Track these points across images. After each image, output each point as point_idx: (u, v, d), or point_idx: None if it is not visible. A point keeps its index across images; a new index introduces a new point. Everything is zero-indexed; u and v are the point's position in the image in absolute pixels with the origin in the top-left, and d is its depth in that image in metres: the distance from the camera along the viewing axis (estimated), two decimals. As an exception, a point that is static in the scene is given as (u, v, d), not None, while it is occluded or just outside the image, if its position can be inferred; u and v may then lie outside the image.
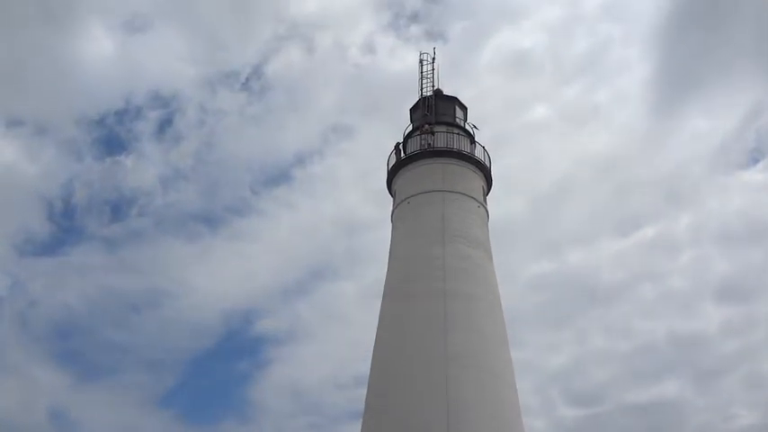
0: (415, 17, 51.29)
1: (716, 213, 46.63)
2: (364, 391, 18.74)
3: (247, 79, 51.79)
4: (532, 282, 43.38)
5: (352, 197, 46.41)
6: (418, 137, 21.62)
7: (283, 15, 51.17)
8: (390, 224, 21.45)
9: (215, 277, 46.71)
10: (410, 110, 23.23)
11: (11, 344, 42.88)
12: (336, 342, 43.94)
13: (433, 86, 22.91)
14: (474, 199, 20.67)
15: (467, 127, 22.48)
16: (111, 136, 50.69)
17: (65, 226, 49.21)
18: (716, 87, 47.75)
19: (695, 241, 46.46)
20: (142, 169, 48.90)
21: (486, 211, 21.11)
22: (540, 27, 50.31)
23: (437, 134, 21.35)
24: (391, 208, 21.61)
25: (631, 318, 43.58)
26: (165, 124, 51.21)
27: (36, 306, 45.27)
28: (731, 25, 43.79)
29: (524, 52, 49.30)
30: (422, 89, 22.97)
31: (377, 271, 20.76)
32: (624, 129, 48.55)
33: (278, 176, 52.41)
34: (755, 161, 51.05)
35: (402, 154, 21.79)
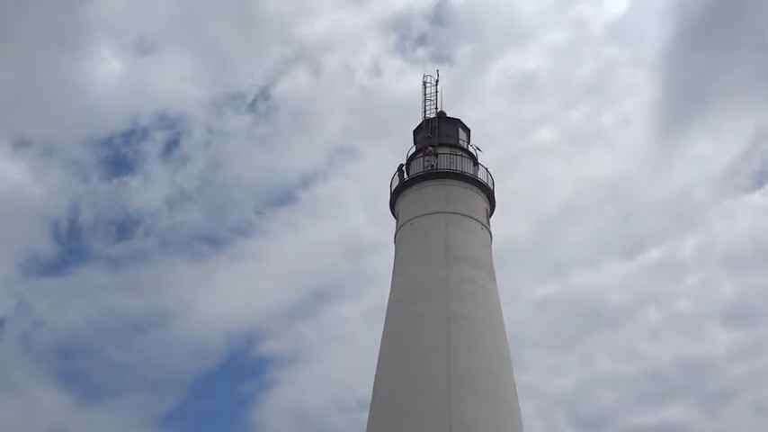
0: (421, 40, 51.75)
1: (722, 236, 46.45)
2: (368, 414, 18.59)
3: (254, 101, 52.24)
4: (537, 304, 43.17)
5: (357, 218, 46.46)
6: (421, 158, 21.67)
7: (291, 37, 51.75)
8: (393, 246, 21.42)
9: (219, 298, 46.66)
10: (413, 132, 23.31)
11: (14, 364, 42.81)
12: (340, 364, 43.67)
13: (437, 108, 23.01)
14: (477, 221, 20.63)
15: (470, 149, 22.53)
16: (117, 156, 51.02)
17: (70, 246, 49.38)
18: (722, 110, 47.85)
19: (701, 264, 46.23)
20: (148, 190, 49.16)
21: (490, 233, 21.06)
22: (546, 50, 50.66)
23: (440, 156, 21.40)
24: (394, 230, 21.60)
25: (637, 341, 43.25)
26: (171, 145, 51.45)
27: (39, 326, 45.25)
28: (736, 48, 43.99)
29: (530, 74, 49.62)
30: (425, 111, 23.07)
31: (382, 293, 20.73)
32: (630, 151, 48.63)
33: (283, 197, 52.64)
34: (761, 184, 50.95)
35: (405, 176, 21.84)
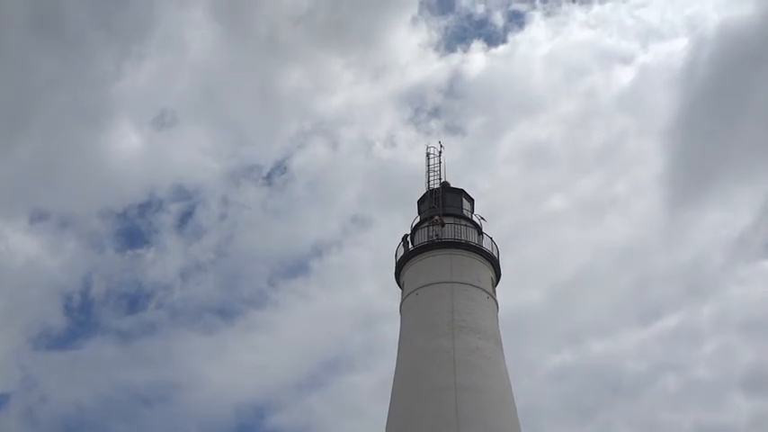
0: (435, 112, 52.79)
1: (738, 302, 45.70)
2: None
3: (270, 173, 53.01)
4: (553, 374, 42.39)
5: (368, 288, 46.29)
6: (426, 228, 21.82)
7: (309, 112, 52.91)
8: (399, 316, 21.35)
9: (229, 370, 46.17)
10: (417, 202, 23.55)
11: (17, 439, 42.21)
12: (351, 437, 42.74)
13: (440, 179, 23.30)
14: (483, 290, 20.58)
15: (474, 219, 22.69)
16: (132, 228, 51.54)
17: (80, 319, 49.41)
18: (732, 178, 47.87)
19: (718, 330, 45.45)
20: (162, 262, 49.41)
21: (496, 302, 20.97)
22: (558, 120, 51.35)
23: (444, 225, 21.54)
24: (400, 299, 21.56)
25: (656, 410, 42.11)
26: (186, 217, 52.05)
27: (46, 401, 44.83)
28: (743, 118, 44.42)
29: (542, 144, 50.18)
30: (429, 182, 23.38)
31: (393, 363, 20.52)
32: (643, 219, 48.52)
33: (296, 268, 52.62)
34: (774, 252, 50.41)
35: (410, 245, 21.95)
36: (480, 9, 56.77)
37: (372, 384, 42.19)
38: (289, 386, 47.40)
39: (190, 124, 52.41)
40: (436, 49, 58.29)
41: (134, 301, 49.61)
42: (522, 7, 58.20)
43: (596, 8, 58.97)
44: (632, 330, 46.43)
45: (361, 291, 47.43)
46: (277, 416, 46.22)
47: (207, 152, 50.30)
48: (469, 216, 22.72)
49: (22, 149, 47.90)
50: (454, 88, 52.35)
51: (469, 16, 57.54)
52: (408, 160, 47.34)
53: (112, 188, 49.53)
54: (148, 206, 50.75)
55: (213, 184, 50.54)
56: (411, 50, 55.26)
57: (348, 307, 46.24)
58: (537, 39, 57.23)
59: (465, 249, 21.11)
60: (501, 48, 59.27)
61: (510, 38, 63.45)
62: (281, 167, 52.97)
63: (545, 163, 49.90)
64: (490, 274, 21.31)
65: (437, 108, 52.40)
